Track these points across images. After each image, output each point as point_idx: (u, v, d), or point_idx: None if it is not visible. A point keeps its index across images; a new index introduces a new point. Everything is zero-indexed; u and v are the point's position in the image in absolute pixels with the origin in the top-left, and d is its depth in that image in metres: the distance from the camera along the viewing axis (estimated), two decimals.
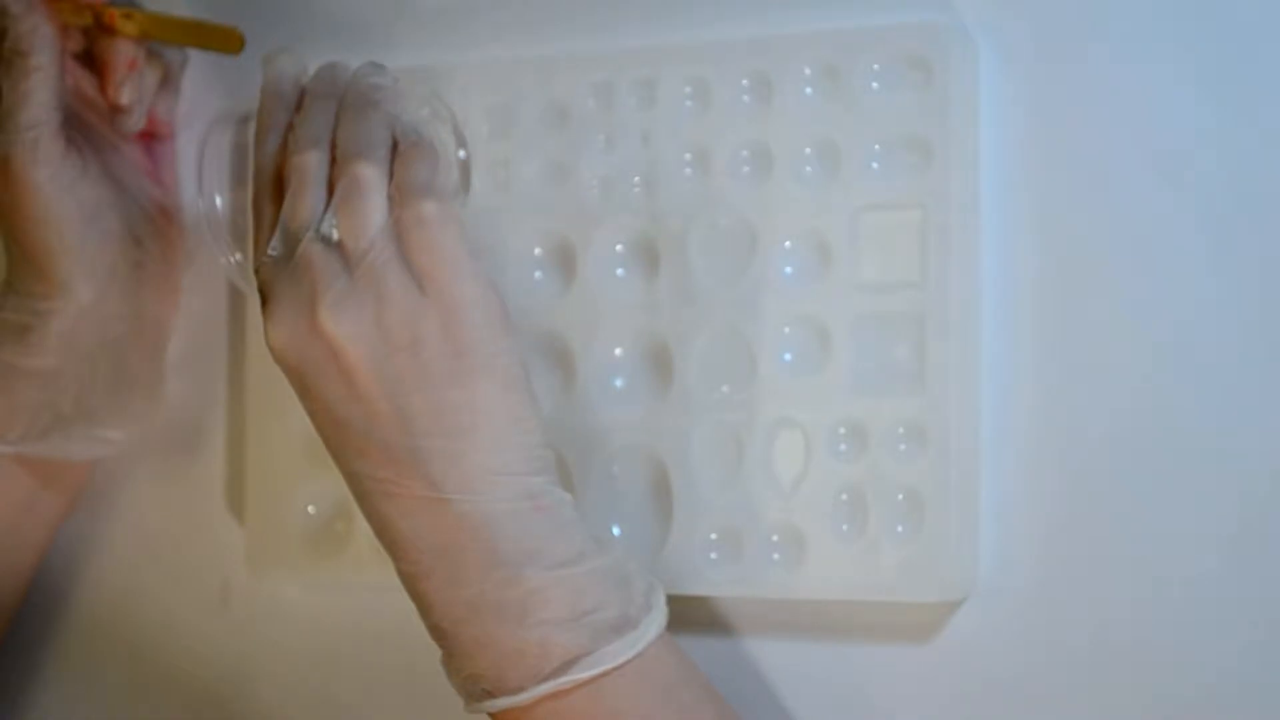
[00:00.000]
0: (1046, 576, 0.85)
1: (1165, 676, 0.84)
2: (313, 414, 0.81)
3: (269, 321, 0.80)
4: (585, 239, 0.91)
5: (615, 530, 0.90)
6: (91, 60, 0.97)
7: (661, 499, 0.90)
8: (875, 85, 0.87)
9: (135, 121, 0.98)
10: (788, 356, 0.88)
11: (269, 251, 0.81)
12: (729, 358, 0.89)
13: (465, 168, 0.89)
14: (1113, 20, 0.85)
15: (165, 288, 0.99)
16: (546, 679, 0.78)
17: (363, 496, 0.80)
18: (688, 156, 0.90)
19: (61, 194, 0.94)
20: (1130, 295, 0.84)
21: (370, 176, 0.80)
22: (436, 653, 0.80)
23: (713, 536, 0.89)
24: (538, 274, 0.93)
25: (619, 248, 0.92)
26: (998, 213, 0.86)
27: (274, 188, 0.82)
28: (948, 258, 0.85)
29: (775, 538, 0.87)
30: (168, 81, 1.00)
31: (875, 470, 0.86)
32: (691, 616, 0.84)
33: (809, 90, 0.88)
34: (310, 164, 0.81)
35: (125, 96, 0.96)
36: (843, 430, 0.87)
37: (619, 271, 0.92)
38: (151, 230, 0.99)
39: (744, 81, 0.89)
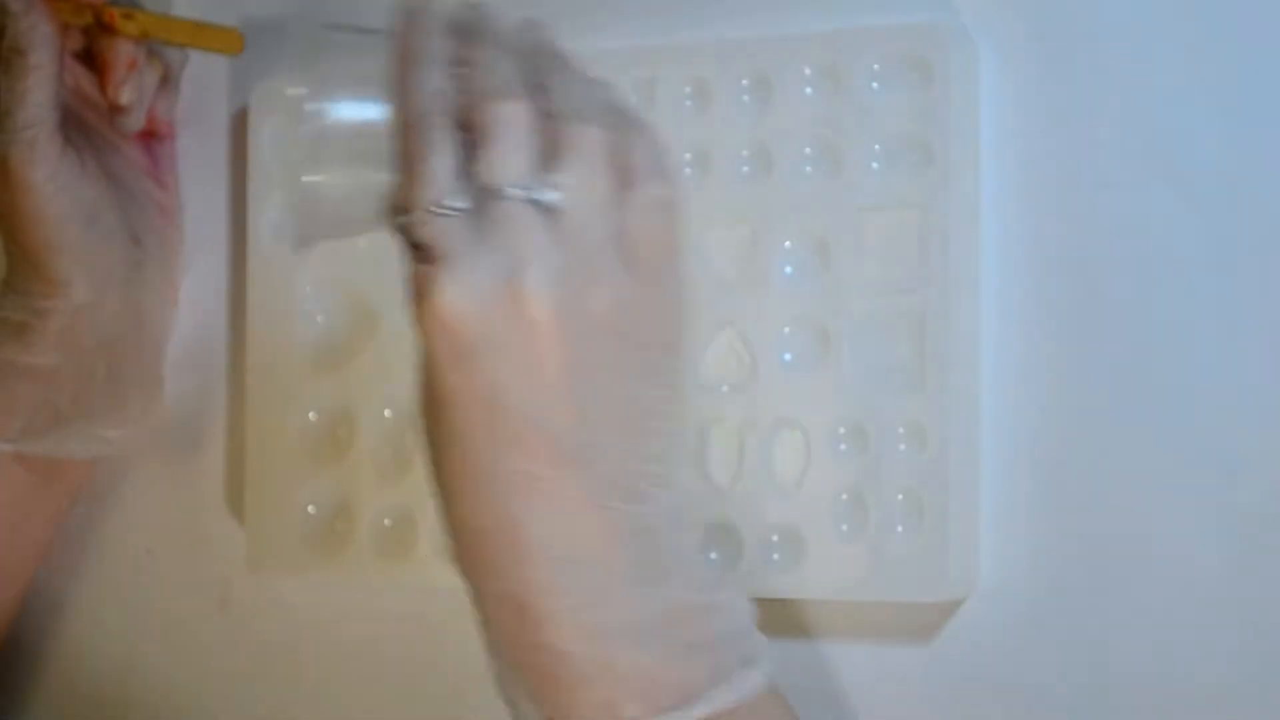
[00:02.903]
0: (1046, 576, 0.85)
1: (1165, 676, 0.83)
2: (453, 392, 0.70)
3: (449, 282, 0.69)
4: None
5: None
6: (91, 59, 0.97)
7: None
8: (875, 85, 0.87)
9: (135, 121, 0.98)
10: (788, 356, 0.88)
11: (452, 203, 0.70)
12: (729, 358, 0.89)
13: None
14: (1113, 20, 0.85)
15: (165, 287, 0.99)
16: (679, 707, 0.71)
17: (489, 497, 0.70)
18: (688, 156, 0.90)
19: (59, 193, 0.94)
20: (1130, 296, 0.84)
21: (610, 147, 0.71)
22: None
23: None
24: None
25: None
26: (998, 213, 0.86)
27: (444, 130, 0.71)
28: (948, 258, 0.85)
29: (775, 538, 0.87)
30: (168, 81, 1.00)
31: (875, 470, 0.86)
32: None
33: (809, 90, 0.88)
34: (522, 116, 0.71)
35: (125, 96, 0.96)
36: (843, 430, 0.87)
37: None
38: (151, 230, 0.98)
39: (744, 81, 0.89)
